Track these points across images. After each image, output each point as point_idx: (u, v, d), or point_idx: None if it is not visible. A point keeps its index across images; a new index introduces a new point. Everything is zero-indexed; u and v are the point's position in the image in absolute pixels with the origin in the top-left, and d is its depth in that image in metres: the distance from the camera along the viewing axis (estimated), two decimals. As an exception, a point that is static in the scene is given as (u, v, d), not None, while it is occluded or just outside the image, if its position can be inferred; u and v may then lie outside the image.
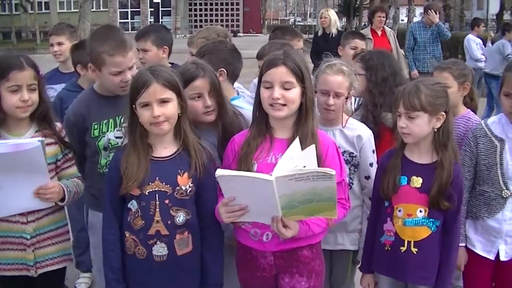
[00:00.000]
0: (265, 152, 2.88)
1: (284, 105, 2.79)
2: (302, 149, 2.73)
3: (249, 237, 2.94)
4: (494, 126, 3.32)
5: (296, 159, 2.61)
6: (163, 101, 2.78)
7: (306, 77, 2.84)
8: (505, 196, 3.25)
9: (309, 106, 2.86)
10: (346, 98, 3.39)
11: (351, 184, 3.41)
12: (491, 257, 3.34)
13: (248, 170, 2.81)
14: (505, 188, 3.25)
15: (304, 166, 2.57)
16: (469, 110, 3.71)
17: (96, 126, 3.35)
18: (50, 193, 2.98)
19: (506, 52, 11.32)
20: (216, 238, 2.99)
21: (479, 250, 3.36)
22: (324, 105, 3.34)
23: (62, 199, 3.07)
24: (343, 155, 3.32)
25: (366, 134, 3.43)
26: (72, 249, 3.42)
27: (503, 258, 3.31)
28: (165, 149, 2.88)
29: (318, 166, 2.68)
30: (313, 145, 2.65)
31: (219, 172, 2.60)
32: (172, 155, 2.88)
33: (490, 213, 3.29)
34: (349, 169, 3.39)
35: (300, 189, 2.53)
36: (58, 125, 3.20)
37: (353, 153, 3.40)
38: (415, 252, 3.07)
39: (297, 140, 2.71)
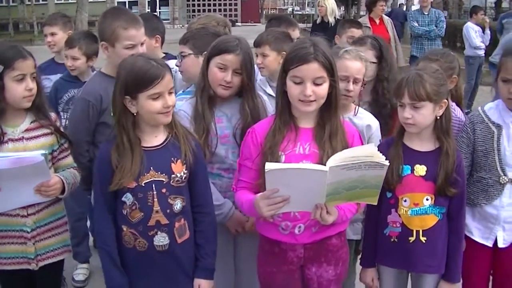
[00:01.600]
0: (291, 142, 2.83)
1: (314, 100, 2.75)
2: (332, 142, 2.77)
3: (278, 230, 2.89)
4: (491, 112, 3.31)
5: (354, 150, 2.58)
6: (171, 91, 2.80)
7: (335, 69, 2.79)
8: (502, 182, 3.24)
9: (338, 97, 2.83)
10: (364, 85, 3.38)
11: None
12: (489, 244, 3.34)
13: (276, 162, 2.75)
14: (502, 174, 3.23)
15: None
16: (453, 103, 3.61)
17: None
18: (52, 189, 2.97)
19: None
20: (209, 224, 2.99)
21: (477, 237, 3.35)
22: (343, 91, 3.25)
23: (62, 192, 3.06)
24: None
25: (375, 123, 3.42)
26: (69, 240, 3.37)
27: (501, 245, 3.31)
28: (156, 137, 2.86)
29: None
30: (373, 144, 2.59)
31: (269, 166, 2.51)
32: (163, 143, 2.86)
33: (488, 199, 3.28)
34: None
35: (349, 177, 2.51)
36: (53, 115, 3.18)
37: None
38: (424, 241, 3.06)
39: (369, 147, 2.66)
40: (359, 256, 3.47)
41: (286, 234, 2.89)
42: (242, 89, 3.24)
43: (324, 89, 2.75)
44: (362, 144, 2.95)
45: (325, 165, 2.51)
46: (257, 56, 4.05)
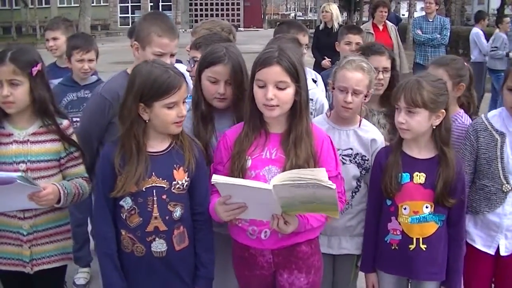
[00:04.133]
0: (260, 147, 2.85)
1: (277, 105, 2.74)
2: (297, 149, 2.75)
3: (246, 235, 2.90)
4: (494, 119, 3.29)
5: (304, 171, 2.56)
6: (184, 101, 2.80)
7: (301, 76, 2.77)
8: (505, 191, 3.22)
9: (303, 105, 2.81)
10: (365, 97, 3.30)
11: (358, 187, 3.35)
12: (491, 252, 3.32)
13: (242, 167, 2.79)
14: (505, 182, 3.22)
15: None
16: (461, 111, 3.57)
17: None
18: (43, 200, 2.89)
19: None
20: (208, 232, 2.98)
21: (479, 245, 3.34)
22: (342, 102, 3.23)
23: (59, 201, 2.98)
24: (355, 157, 3.29)
25: (380, 137, 3.38)
26: (71, 248, 3.30)
27: (503, 253, 3.29)
28: (160, 142, 2.85)
29: (314, 162, 2.70)
30: (324, 169, 2.54)
31: (216, 178, 2.55)
32: (166, 149, 2.85)
33: (491, 207, 3.27)
34: (360, 172, 3.32)
35: (301, 194, 2.50)
36: (65, 122, 3.12)
37: (365, 156, 3.31)
38: (424, 249, 3.05)
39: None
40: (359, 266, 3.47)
41: (253, 239, 2.88)
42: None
43: (287, 93, 2.74)
44: (333, 149, 2.92)
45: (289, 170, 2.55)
46: None
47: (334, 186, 2.42)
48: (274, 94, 2.71)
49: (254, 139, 2.85)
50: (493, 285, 3.46)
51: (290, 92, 2.75)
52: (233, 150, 2.86)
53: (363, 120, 3.39)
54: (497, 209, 3.26)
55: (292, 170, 2.59)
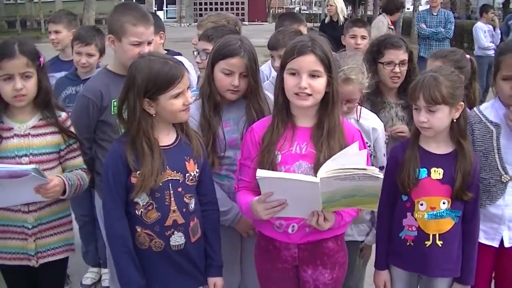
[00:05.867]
0: (288, 141, 2.81)
1: (310, 95, 2.72)
2: (330, 141, 2.72)
3: (273, 228, 2.88)
4: (487, 111, 3.28)
5: (344, 159, 2.53)
6: (188, 87, 2.80)
7: (333, 66, 2.76)
8: (504, 181, 3.21)
9: (335, 96, 2.78)
10: (361, 100, 3.36)
11: None
12: (495, 244, 3.30)
13: (272, 162, 2.76)
14: (504, 173, 3.21)
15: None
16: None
17: (116, 103, 3.28)
18: (50, 192, 2.91)
19: None
20: (217, 221, 3.02)
21: (482, 239, 3.29)
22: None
23: (64, 192, 3.01)
24: None
25: (380, 125, 3.41)
26: (74, 239, 3.33)
27: (507, 244, 3.27)
28: (167, 135, 2.85)
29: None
30: (365, 150, 2.52)
31: (260, 173, 2.52)
32: (175, 141, 2.85)
33: (492, 199, 3.25)
34: None
35: (344, 187, 2.49)
36: (64, 114, 3.14)
37: (367, 142, 3.29)
38: (440, 245, 3.03)
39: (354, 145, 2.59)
40: (369, 261, 3.45)
41: (280, 232, 2.87)
42: (247, 90, 3.21)
43: (320, 83, 2.72)
44: (363, 143, 2.91)
45: (321, 165, 2.52)
46: (272, 57, 4.05)
47: (381, 176, 2.42)
48: (307, 83, 2.69)
49: (282, 133, 2.82)
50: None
51: (322, 81, 2.73)
52: (262, 144, 2.83)
53: (363, 108, 3.42)
54: (498, 200, 3.25)
55: (337, 158, 2.55)
